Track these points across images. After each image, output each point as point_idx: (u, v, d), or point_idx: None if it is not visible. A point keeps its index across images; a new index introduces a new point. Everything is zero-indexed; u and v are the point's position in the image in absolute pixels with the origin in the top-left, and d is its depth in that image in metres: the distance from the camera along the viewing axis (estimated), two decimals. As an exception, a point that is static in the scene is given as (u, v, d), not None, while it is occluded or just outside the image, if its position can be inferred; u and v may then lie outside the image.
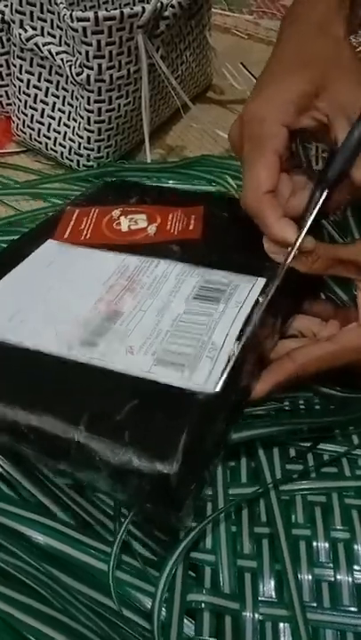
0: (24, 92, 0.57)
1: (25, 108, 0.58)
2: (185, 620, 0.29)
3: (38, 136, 0.59)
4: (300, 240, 0.35)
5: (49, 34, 0.53)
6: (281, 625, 0.29)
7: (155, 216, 0.44)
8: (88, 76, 0.52)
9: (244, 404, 0.35)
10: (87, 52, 0.51)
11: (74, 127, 0.57)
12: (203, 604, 0.29)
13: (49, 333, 0.34)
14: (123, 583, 0.30)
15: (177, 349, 0.33)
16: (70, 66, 0.52)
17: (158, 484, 0.27)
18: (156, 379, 0.31)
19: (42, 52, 0.53)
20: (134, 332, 0.34)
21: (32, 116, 0.58)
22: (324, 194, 0.35)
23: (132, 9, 0.51)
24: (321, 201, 0.35)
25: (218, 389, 0.30)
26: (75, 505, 0.33)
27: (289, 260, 0.35)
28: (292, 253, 0.35)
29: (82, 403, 0.30)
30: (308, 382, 0.37)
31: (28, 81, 0.56)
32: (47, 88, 0.56)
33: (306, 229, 0.35)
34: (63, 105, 0.57)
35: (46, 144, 0.60)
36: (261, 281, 0.36)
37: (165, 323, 0.35)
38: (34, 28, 0.53)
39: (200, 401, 0.30)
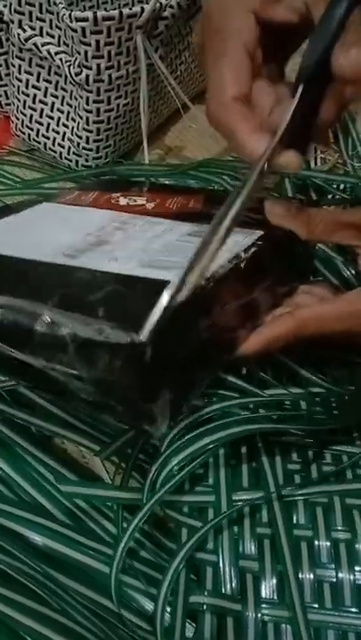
0: (23, 92, 0.57)
1: (24, 108, 0.58)
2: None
3: (37, 136, 0.59)
4: (273, 145, 0.28)
5: (48, 34, 0.53)
6: (283, 626, 0.29)
7: (154, 198, 0.43)
8: (87, 76, 0.52)
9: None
10: (86, 52, 0.50)
11: (73, 127, 0.57)
12: (204, 606, 0.29)
13: (32, 247, 0.33)
14: (122, 584, 0.30)
15: (163, 258, 0.31)
16: (69, 66, 0.52)
17: (130, 357, 0.25)
18: (137, 274, 0.29)
19: (41, 52, 0.53)
20: (120, 249, 0.33)
21: (31, 116, 0.58)
22: (300, 89, 0.28)
23: (130, 9, 0.50)
24: (297, 98, 0.28)
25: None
26: (73, 506, 0.33)
27: (255, 175, 0.28)
28: (262, 163, 0.28)
29: (54, 286, 0.29)
30: (307, 346, 0.35)
31: (27, 81, 0.56)
32: (46, 88, 0.56)
33: (281, 132, 0.28)
34: (62, 105, 0.56)
35: (45, 144, 0.59)
36: (258, 233, 0.35)
37: (155, 245, 0.33)
38: (33, 28, 0.53)
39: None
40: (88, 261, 0.31)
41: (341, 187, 0.55)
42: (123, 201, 0.43)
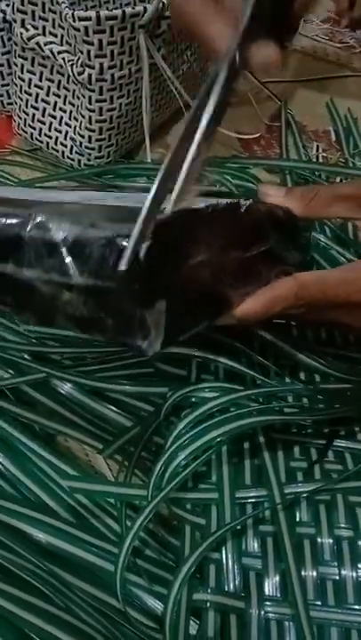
0: (25, 92, 0.57)
1: (26, 107, 0.58)
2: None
3: (39, 135, 0.59)
4: (240, 35, 0.24)
5: (50, 33, 0.53)
6: (286, 623, 0.29)
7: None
8: (90, 76, 0.52)
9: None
10: (89, 52, 0.50)
11: (75, 126, 0.57)
12: (208, 604, 0.29)
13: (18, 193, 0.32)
14: (125, 582, 0.30)
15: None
16: (72, 65, 0.52)
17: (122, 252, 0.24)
18: (131, 205, 0.28)
19: (43, 52, 0.53)
20: (108, 200, 0.32)
21: (33, 115, 0.58)
22: None
23: (133, 8, 0.50)
24: None
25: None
26: (76, 504, 0.33)
27: (224, 71, 0.24)
28: (230, 56, 0.24)
29: (44, 205, 0.27)
30: (308, 314, 0.34)
31: (30, 80, 0.56)
32: (49, 87, 0.56)
33: (247, 19, 0.24)
34: (64, 104, 0.57)
35: (47, 143, 0.60)
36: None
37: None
38: (35, 28, 0.53)
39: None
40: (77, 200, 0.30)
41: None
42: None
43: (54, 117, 0.58)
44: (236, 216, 0.31)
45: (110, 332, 0.26)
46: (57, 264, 0.25)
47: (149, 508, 0.30)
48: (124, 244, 0.24)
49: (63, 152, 0.59)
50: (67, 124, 0.57)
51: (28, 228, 0.26)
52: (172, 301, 0.26)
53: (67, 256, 0.25)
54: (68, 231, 0.25)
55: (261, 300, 0.31)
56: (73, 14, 0.49)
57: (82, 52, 0.51)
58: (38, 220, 0.26)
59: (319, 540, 0.31)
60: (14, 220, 0.26)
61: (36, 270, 0.26)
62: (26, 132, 0.60)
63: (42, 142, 0.60)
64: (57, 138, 0.59)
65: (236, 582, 0.30)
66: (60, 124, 0.58)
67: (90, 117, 0.55)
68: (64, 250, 0.25)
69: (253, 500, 0.32)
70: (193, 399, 0.35)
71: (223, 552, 0.30)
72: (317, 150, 0.63)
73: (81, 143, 0.57)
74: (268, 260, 0.34)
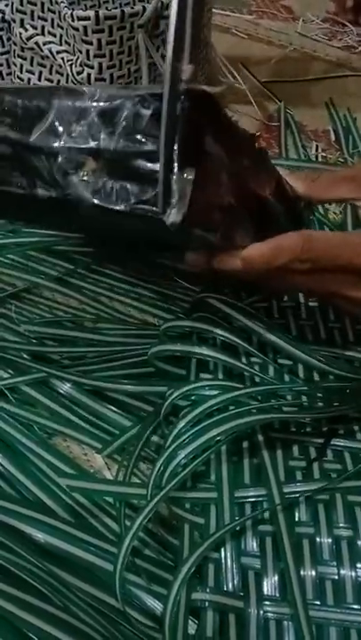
0: (24, 92, 0.57)
1: (25, 107, 0.58)
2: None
3: (38, 135, 0.60)
4: None
5: (49, 33, 0.53)
6: (285, 623, 0.29)
7: None
8: (89, 75, 0.52)
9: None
10: (88, 51, 0.50)
11: (74, 126, 0.57)
12: (207, 603, 0.29)
13: None
14: (125, 581, 0.30)
15: None
16: (71, 65, 0.52)
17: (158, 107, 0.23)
18: None
19: (42, 51, 0.53)
20: None
21: (32, 115, 0.58)
22: None
23: (132, 8, 0.51)
24: None
25: None
26: (75, 504, 0.33)
27: None
28: None
29: None
30: (313, 280, 0.34)
31: (29, 80, 0.56)
32: (47, 87, 0.56)
33: None
34: (64, 104, 0.57)
35: (46, 143, 0.60)
36: None
37: None
38: (34, 27, 0.53)
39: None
40: None
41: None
42: None
43: (53, 117, 0.58)
44: (253, 147, 0.30)
45: (132, 198, 0.25)
46: (85, 129, 0.25)
47: (149, 508, 0.30)
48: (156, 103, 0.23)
49: (62, 152, 0.59)
50: (66, 124, 0.58)
51: (58, 94, 0.25)
52: (196, 186, 0.25)
53: (97, 119, 0.24)
54: (100, 94, 0.24)
55: (268, 246, 0.31)
56: (72, 14, 0.49)
57: (81, 52, 0.51)
58: (67, 87, 0.25)
59: (318, 539, 0.31)
60: (43, 88, 0.26)
61: (62, 137, 0.25)
62: (25, 132, 0.60)
63: (41, 142, 0.60)
64: (56, 138, 0.59)
65: (235, 582, 0.30)
66: (59, 124, 0.58)
67: (89, 117, 0.55)
68: (94, 112, 0.24)
69: (253, 500, 0.32)
70: (193, 397, 0.35)
71: (222, 552, 0.30)
72: (317, 150, 0.63)
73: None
74: (275, 226, 0.34)
